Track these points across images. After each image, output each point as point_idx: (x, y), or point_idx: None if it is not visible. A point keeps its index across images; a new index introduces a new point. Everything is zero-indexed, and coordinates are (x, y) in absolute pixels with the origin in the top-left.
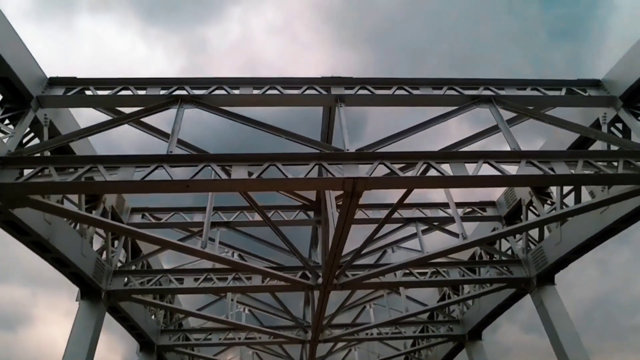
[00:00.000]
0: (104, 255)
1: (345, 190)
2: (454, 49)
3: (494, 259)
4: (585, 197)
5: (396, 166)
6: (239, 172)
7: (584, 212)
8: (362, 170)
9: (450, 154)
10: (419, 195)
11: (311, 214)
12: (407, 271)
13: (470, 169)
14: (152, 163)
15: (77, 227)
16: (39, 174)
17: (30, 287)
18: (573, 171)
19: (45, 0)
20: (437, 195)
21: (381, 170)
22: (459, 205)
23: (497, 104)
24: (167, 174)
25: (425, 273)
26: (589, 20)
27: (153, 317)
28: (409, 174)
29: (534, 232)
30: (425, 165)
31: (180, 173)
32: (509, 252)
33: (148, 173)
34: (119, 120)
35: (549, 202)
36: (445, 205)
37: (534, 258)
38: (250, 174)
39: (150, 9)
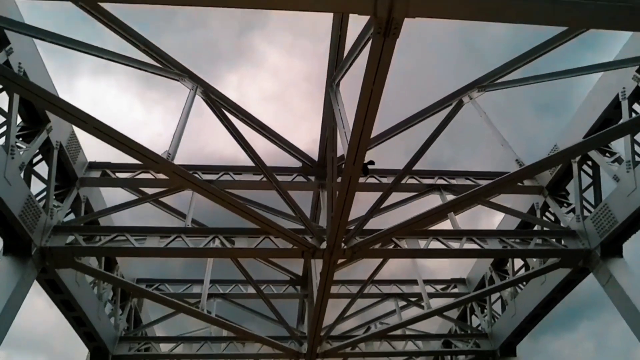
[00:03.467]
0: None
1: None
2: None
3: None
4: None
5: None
6: (241, 243)
7: (527, 279)
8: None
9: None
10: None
11: (298, 288)
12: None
13: (422, 244)
14: (172, 234)
15: None
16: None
17: (5, 350)
18: (502, 247)
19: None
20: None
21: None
22: (435, 282)
23: (445, 192)
24: (184, 243)
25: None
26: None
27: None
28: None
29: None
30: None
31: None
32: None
33: (170, 241)
34: (143, 199)
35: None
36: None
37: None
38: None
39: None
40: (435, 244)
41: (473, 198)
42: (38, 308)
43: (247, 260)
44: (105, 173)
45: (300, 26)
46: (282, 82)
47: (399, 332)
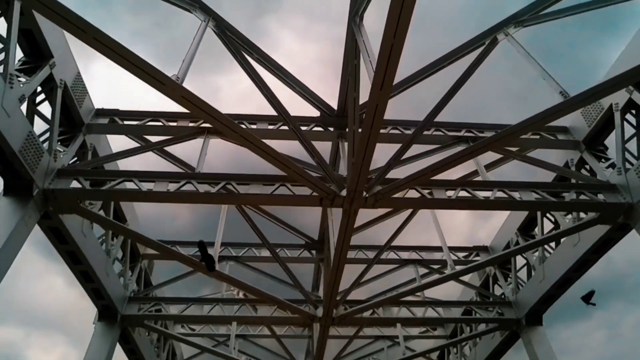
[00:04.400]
0: None
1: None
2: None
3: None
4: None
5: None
6: (254, 190)
7: (559, 237)
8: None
9: (436, 181)
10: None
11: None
12: None
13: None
14: (183, 179)
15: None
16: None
17: (24, 329)
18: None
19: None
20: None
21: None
22: (456, 249)
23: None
24: (195, 188)
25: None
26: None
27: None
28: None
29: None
30: (413, 191)
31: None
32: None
33: (180, 186)
34: (152, 146)
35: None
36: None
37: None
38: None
39: (166, 58)
40: (463, 195)
41: (505, 140)
42: (57, 287)
43: (261, 222)
44: (114, 120)
45: (315, 10)
46: (296, 66)
47: (418, 298)
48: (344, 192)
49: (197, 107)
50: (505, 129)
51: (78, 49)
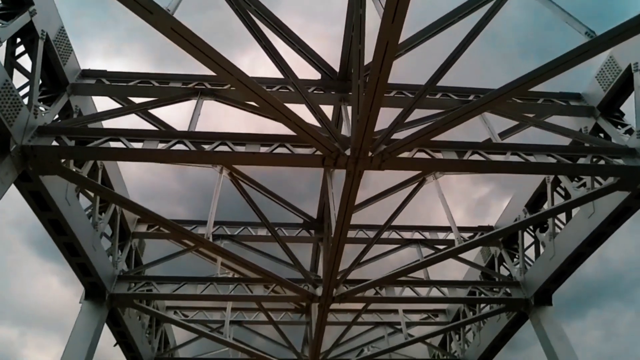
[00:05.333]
0: None
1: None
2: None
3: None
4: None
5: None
6: (253, 148)
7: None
8: None
9: (445, 143)
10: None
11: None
12: None
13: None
14: (174, 138)
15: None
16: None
17: (19, 328)
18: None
19: None
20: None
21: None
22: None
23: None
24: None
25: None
26: None
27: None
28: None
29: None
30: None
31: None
32: None
33: (171, 145)
34: (139, 106)
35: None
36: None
37: None
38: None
39: (161, 54)
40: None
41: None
42: (52, 287)
43: (258, 199)
44: (100, 81)
45: (313, 9)
46: (294, 65)
47: (422, 277)
48: (348, 152)
49: (189, 42)
50: (519, 78)
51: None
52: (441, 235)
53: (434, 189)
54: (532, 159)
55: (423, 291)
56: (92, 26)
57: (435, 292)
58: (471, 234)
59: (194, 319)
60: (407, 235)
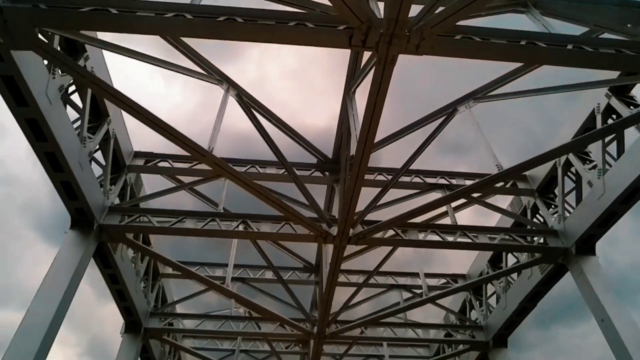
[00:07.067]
0: None
1: None
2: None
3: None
4: None
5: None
6: (265, 228)
7: (511, 272)
8: None
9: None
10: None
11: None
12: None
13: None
14: (207, 217)
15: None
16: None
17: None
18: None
19: None
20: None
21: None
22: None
23: (448, 190)
24: (218, 225)
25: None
26: None
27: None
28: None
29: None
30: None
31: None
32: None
33: (205, 224)
34: (182, 187)
35: None
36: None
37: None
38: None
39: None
40: (432, 237)
41: (465, 194)
42: None
43: (267, 248)
44: (149, 161)
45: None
46: (304, 57)
47: (401, 320)
48: (334, 231)
49: (226, 171)
50: (462, 188)
51: None
52: (420, 282)
53: None
54: (477, 240)
55: (401, 332)
56: None
57: (411, 333)
58: (445, 281)
59: (206, 347)
60: (391, 281)
